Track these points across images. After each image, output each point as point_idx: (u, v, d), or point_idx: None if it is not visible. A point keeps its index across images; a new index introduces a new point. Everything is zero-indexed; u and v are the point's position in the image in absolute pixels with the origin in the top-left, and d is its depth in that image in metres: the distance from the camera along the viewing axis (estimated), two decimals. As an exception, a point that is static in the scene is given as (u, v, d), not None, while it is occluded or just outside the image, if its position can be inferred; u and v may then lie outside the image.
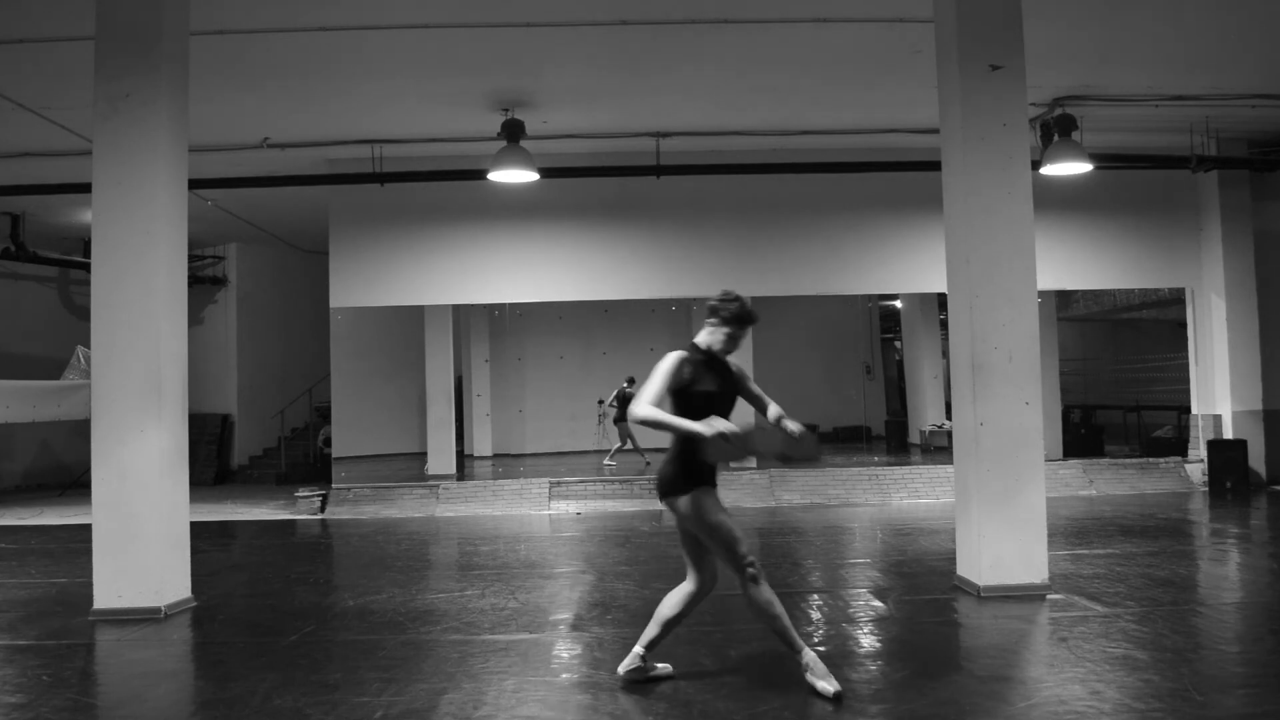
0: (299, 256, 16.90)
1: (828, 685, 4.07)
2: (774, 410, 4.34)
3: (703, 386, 4.13)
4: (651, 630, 4.35)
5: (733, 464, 4.08)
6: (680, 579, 4.43)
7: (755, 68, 8.75)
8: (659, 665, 4.46)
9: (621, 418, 13.95)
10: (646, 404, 3.96)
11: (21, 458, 15.07)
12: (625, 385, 14.09)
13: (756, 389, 4.38)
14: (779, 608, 4.12)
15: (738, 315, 4.20)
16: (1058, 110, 9.77)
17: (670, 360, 4.08)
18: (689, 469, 4.11)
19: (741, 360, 14.21)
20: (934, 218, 7.71)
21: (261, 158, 10.71)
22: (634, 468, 13.15)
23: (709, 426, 3.91)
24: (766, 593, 4.09)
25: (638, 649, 4.36)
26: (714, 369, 4.22)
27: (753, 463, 3.68)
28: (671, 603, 4.33)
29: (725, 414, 4.11)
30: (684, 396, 4.10)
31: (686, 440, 4.04)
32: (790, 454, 4.14)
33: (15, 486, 14.80)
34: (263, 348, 16.58)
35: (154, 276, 6.07)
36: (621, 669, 4.38)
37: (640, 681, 4.35)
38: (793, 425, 4.14)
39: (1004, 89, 6.14)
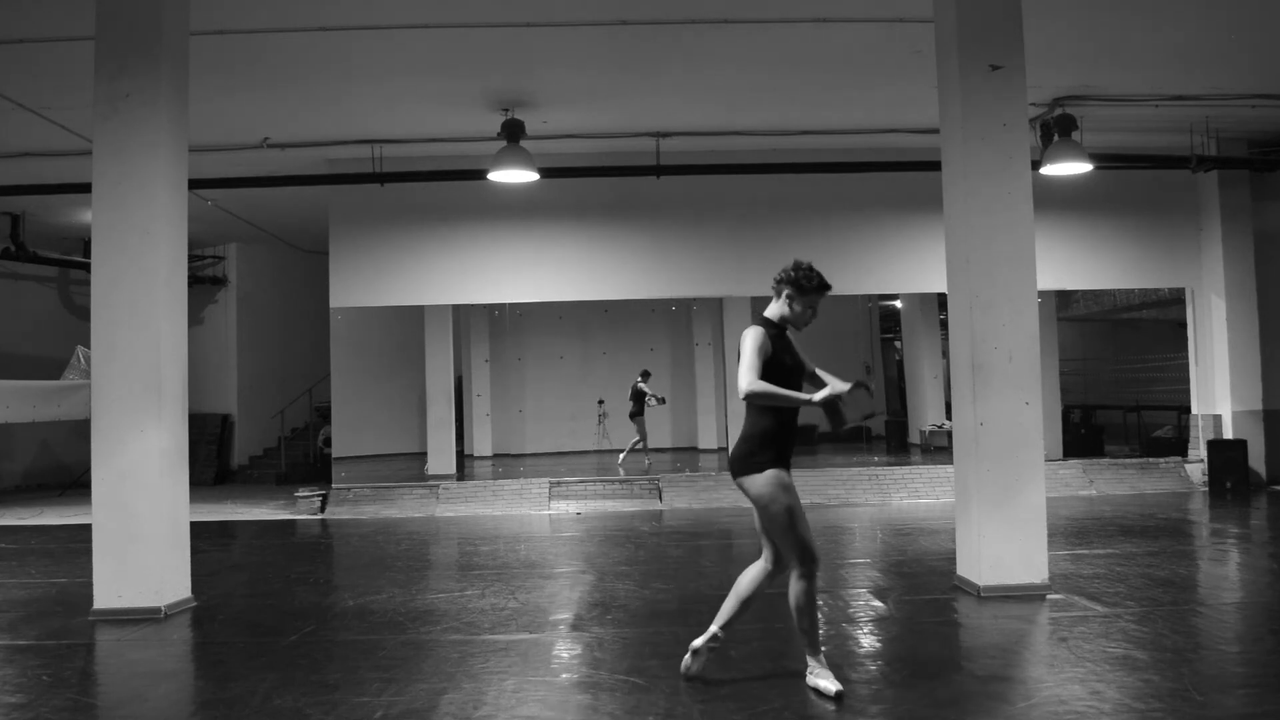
0: (299, 256, 16.90)
1: (829, 684, 4.08)
2: (836, 382, 4.11)
3: (788, 359, 4.14)
4: (728, 609, 4.30)
5: (837, 428, 4.07)
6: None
7: (755, 68, 8.75)
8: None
9: (638, 412, 13.81)
10: (752, 379, 3.95)
11: (21, 458, 15.07)
12: (639, 380, 13.94)
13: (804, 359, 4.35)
14: (816, 610, 4.17)
15: (821, 283, 4.16)
16: (1058, 110, 9.77)
17: (754, 334, 4.08)
18: (766, 448, 4.07)
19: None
20: (934, 218, 7.71)
21: (261, 158, 10.71)
22: (635, 467, 13.14)
23: (827, 391, 3.91)
24: (810, 589, 4.09)
25: (715, 629, 4.31)
26: (788, 342, 4.22)
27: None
28: (747, 581, 4.31)
29: (800, 387, 4.14)
30: (768, 371, 4.03)
31: (766, 418, 4.04)
32: (868, 412, 4.21)
33: (15, 486, 14.79)
34: (263, 348, 16.57)
35: (154, 276, 6.07)
36: (696, 645, 4.30)
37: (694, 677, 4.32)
38: (870, 385, 4.14)
39: (1004, 89, 6.14)
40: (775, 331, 4.18)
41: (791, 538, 4.06)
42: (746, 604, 4.29)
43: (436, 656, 4.90)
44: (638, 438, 13.81)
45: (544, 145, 10.45)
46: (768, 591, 4.30)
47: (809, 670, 4.18)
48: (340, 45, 7.93)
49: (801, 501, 4.17)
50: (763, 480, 4.05)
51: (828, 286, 4.20)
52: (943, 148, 6.56)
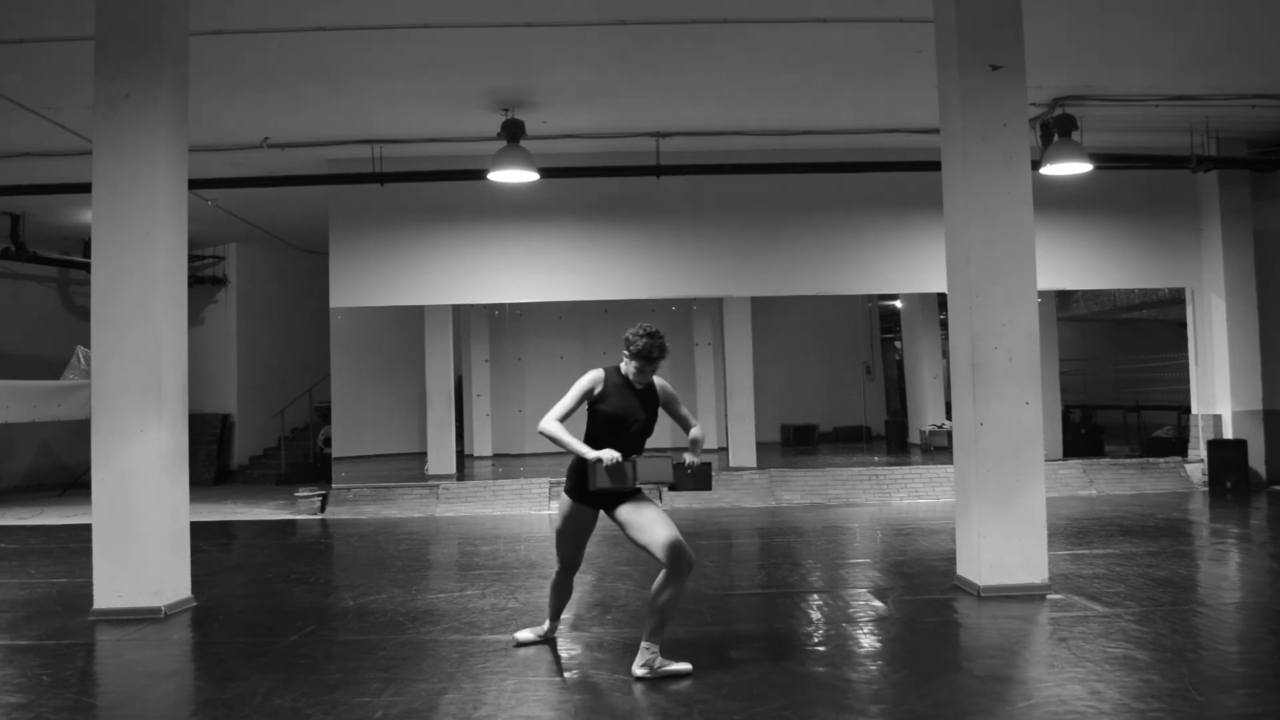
0: (299, 256, 16.89)
1: (527, 634, 5.07)
2: (694, 432, 4.69)
3: (606, 407, 4.47)
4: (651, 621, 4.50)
5: (616, 487, 4.27)
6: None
7: (755, 68, 8.75)
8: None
9: None
10: (550, 418, 4.39)
11: (21, 458, 15.06)
12: None
13: (684, 412, 4.70)
14: (553, 594, 5.00)
15: (641, 351, 4.43)
16: (1058, 110, 9.77)
17: (588, 376, 4.54)
18: (570, 476, 4.57)
19: (741, 361, 14.10)
20: (934, 218, 7.71)
21: (261, 158, 10.71)
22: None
23: (596, 453, 4.27)
24: (553, 580, 4.96)
25: (645, 642, 4.48)
26: (629, 392, 4.51)
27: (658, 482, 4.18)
28: (654, 589, 4.46)
29: (632, 435, 4.47)
30: (591, 413, 4.49)
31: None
32: (679, 485, 4.43)
33: (15, 486, 14.79)
34: (263, 348, 16.57)
35: (154, 276, 6.07)
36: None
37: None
38: (689, 458, 4.45)
39: (1004, 89, 6.14)
40: (619, 380, 4.53)
41: (558, 546, 4.79)
42: (662, 609, 4.40)
43: (436, 656, 4.90)
44: None
45: (544, 145, 10.45)
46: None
47: (535, 630, 5.11)
48: (340, 45, 7.93)
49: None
50: (559, 503, 4.70)
51: (648, 356, 4.42)
52: (943, 148, 6.56)
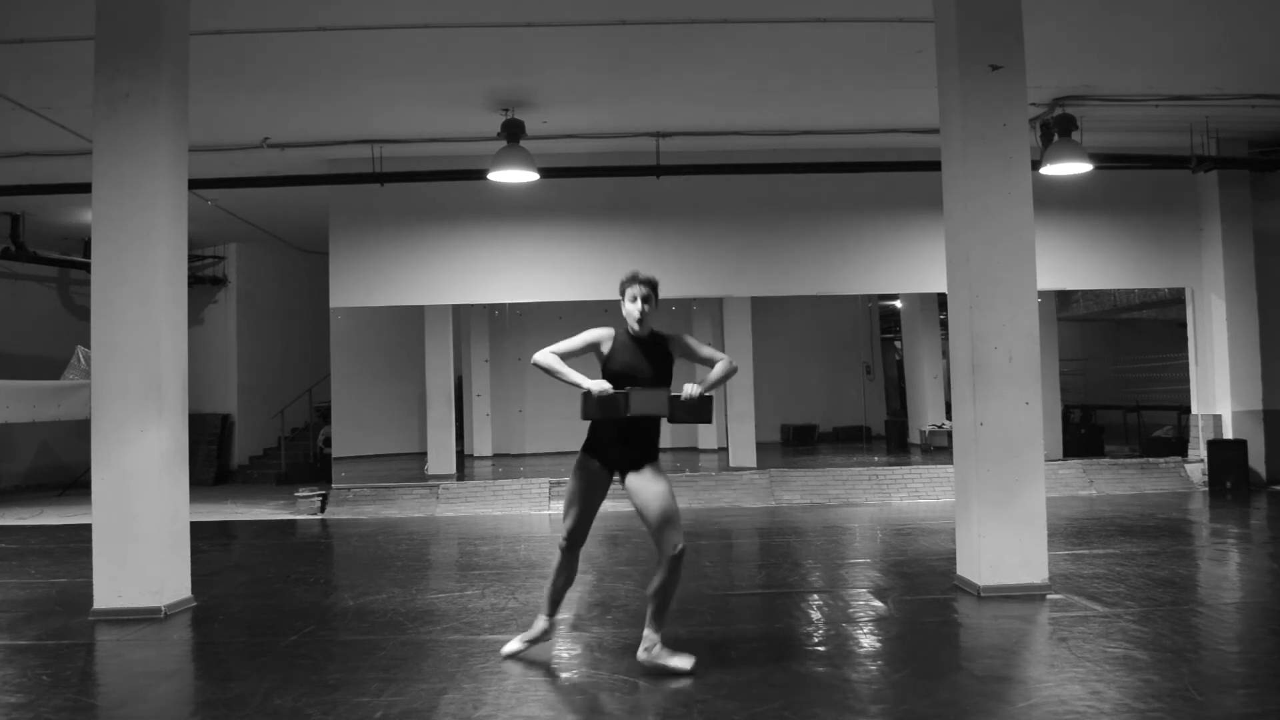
0: (299, 256, 16.89)
1: (514, 645, 4.74)
2: (717, 369, 4.52)
3: (614, 365, 4.44)
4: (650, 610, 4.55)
5: (607, 417, 4.26)
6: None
7: (755, 68, 8.75)
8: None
9: None
10: (548, 351, 4.37)
11: (21, 458, 15.05)
12: None
13: (708, 353, 4.58)
14: (555, 576, 4.71)
15: (630, 275, 4.47)
16: (1058, 110, 9.77)
17: (593, 330, 4.54)
18: (589, 434, 4.51)
19: (742, 360, 14.07)
20: (934, 218, 7.71)
21: (261, 158, 10.71)
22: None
23: (589, 383, 4.25)
24: (557, 561, 4.68)
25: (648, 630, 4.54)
26: (636, 349, 4.49)
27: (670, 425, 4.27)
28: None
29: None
30: (605, 375, 4.43)
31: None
32: (674, 416, 4.38)
33: (15, 486, 14.78)
34: (263, 348, 16.57)
35: (154, 276, 6.07)
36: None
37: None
38: (689, 389, 4.37)
39: (1004, 89, 6.14)
40: (625, 340, 4.53)
41: (566, 510, 4.60)
42: (654, 595, 4.49)
43: (436, 656, 4.90)
44: None
45: (544, 145, 10.45)
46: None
47: (533, 630, 4.78)
48: (340, 45, 7.93)
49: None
50: (576, 462, 4.54)
51: (635, 277, 4.48)
52: (943, 148, 6.56)
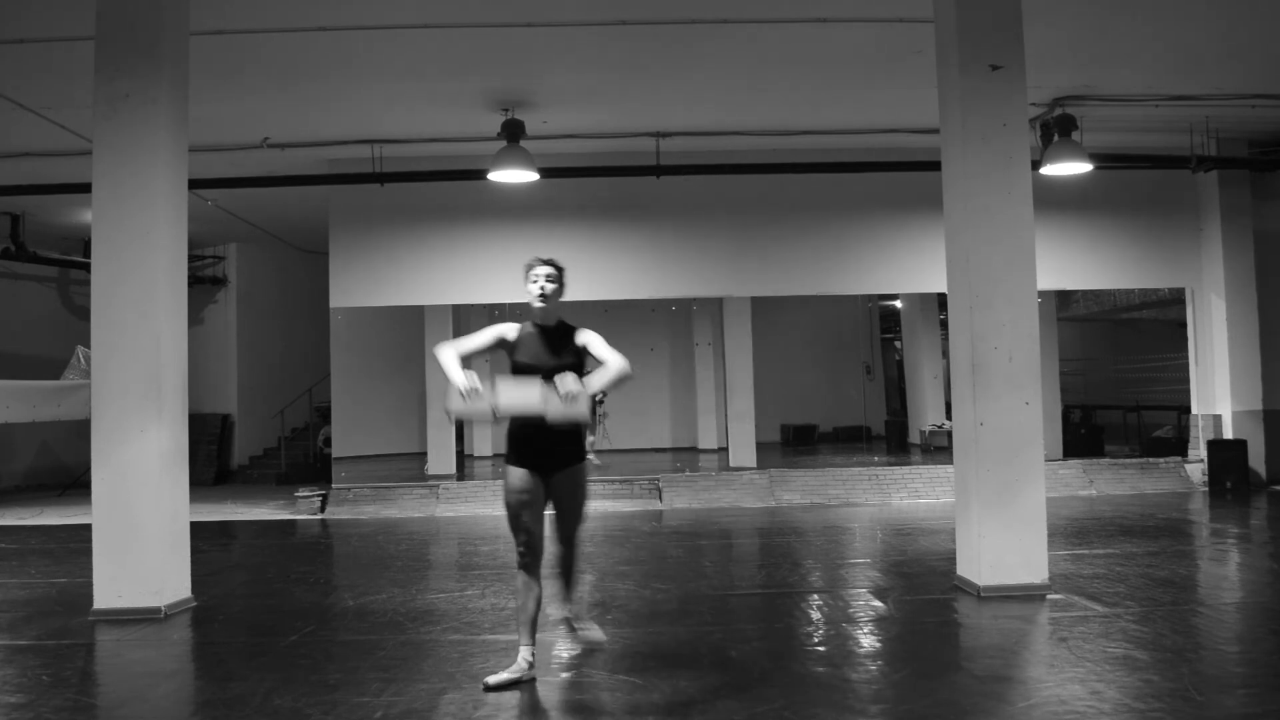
0: (299, 256, 16.89)
1: (499, 676, 4.33)
2: (602, 373, 4.18)
3: (519, 357, 4.33)
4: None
5: (474, 412, 4.07)
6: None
7: (755, 68, 8.75)
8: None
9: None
10: (448, 345, 4.27)
11: (21, 458, 15.05)
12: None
13: (604, 353, 4.29)
14: (523, 600, 4.42)
15: (526, 265, 4.41)
16: (1058, 110, 9.77)
17: (497, 325, 4.36)
18: (510, 447, 4.36)
19: (741, 361, 14.04)
20: (934, 218, 7.71)
21: (261, 158, 10.71)
22: (635, 467, 13.14)
23: (458, 379, 4.05)
24: (521, 582, 4.43)
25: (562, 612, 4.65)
26: (540, 339, 4.36)
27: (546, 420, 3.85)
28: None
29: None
30: (512, 367, 4.32)
31: (513, 418, 4.23)
32: (546, 414, 4.05)
33: (15, 486, 14.78)
34: (263, 348, 16.56)
35: (154, 276, 6.07)
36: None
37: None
38: (568, 382, 4.01)
39: (1004, 89, 6.14)
40: (531, 330, 4.40)
41: (513, 524, 4.39)
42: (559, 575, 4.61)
43: (436, 656, 4.90)
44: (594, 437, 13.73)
45: (544, 145, 10.44)
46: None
47: (515, 668, 4.41)
48: (340, 45, 7.93)
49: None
50: (505, 476, 4.35)
51: (537, 258, 4.43)
52: (943, 148, 6.56)
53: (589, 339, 4.37)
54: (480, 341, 4.34)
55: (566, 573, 4.62)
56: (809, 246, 11.62)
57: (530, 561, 4.40)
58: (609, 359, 4.23)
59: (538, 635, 4.48)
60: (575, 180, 10.87)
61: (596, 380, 4.14)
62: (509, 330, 4.37)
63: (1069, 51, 8.38)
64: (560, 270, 4.44)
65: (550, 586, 4.64)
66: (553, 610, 4.66)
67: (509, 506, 4.35)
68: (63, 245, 14.55)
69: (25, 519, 11.33)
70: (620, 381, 4.21)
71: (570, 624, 4.63)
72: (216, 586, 6.89)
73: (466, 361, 4.24)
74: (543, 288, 4.36)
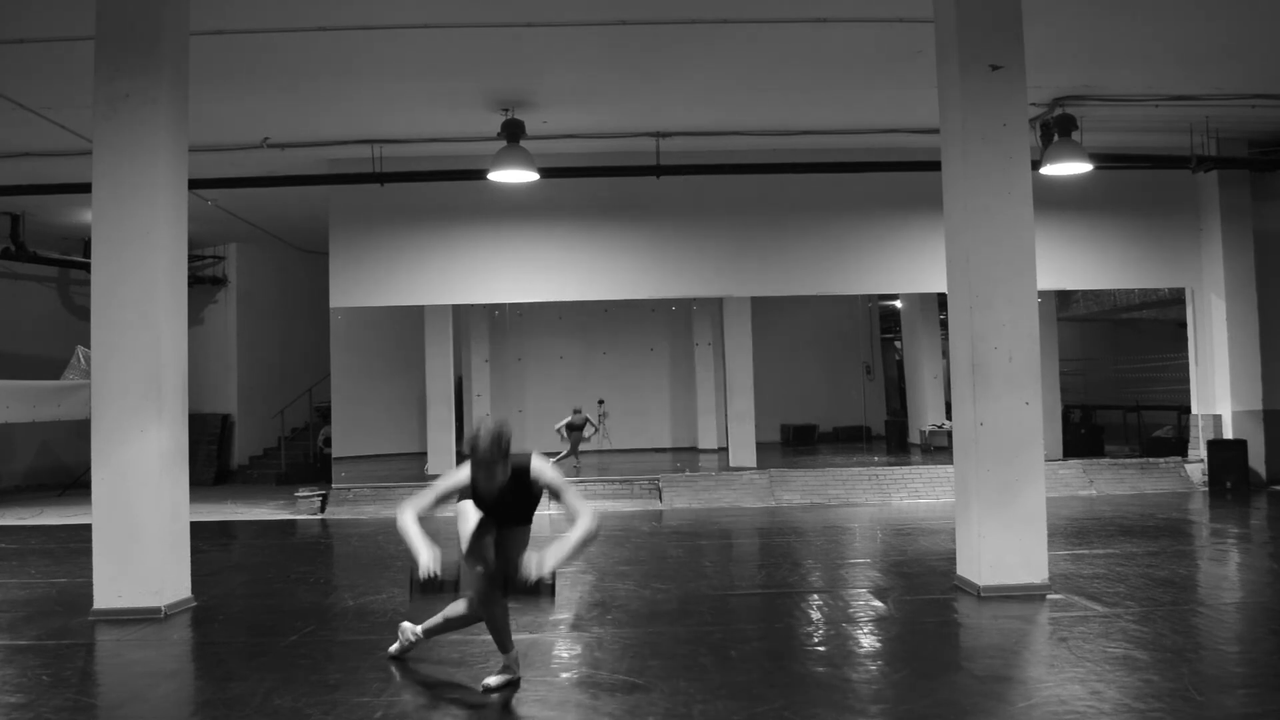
0: (299, 256, 16.89)
1: (495, 678, 4.32)
2: (574, 532, 4.02)
3: (478, 487, 4.15)
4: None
5: (430, 596, 4.08)
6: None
7: (755, 68, 8.75)
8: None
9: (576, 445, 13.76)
10: (408, 507, 4.19)
11: (21, 458, 15.06)
12: (573, 415, 13.63)
13: (571, 502, 4.13)
14: (490, 613, 4.36)
15: (472, 448, 4.01)
16: (1058, 110, 9.76)
17: (460, 470, 4.16)
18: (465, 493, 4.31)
19: (741, 361, 14.03)
20: (934, 218, 7.71)
21: (261, 158, 10.71)
22: (635, 467, 13.14)
23: (422, 560, 3.98)
24: (480, 593, 4.34)
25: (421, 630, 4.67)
26: (497, 482, 4.11)
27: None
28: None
29: (505, 514, 4.29)
30: (472, 494, 4.25)
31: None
32: (510, 594, 4.11)
33: (15, 486, 14.78)
34: (263, 348, 16.57)
35: (154, 276, 6.07)
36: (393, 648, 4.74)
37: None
38: (533, 565, 3.95)
39: (1004, 89, 6.14)
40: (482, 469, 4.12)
41: (470, 551, 4.34)
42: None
43: (437, 656, 4.90)
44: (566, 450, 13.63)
45: (544, 145, 10.44)
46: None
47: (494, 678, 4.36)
48: (340, 45, 7.92)
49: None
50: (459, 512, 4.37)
51: (478, 453, 4.00)
52: (943, 147, 6.56)
53: (550, 484, 4.21)
54: (439, 492, 4.21)
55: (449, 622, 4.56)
56: (809, 246, 11.62)
57: (487, 581, 4.30)
58: (576, 510, 4.05)
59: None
60: (575, 180, 10.87)
61: (558, 553, 3.98)
62: (468, 478, 4.15)
63: (1069, 51, 8.38)
64: (504, 448, 4.06)
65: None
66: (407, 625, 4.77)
67: (468, 537, 4.33)
68: (63, 245, 14.55)
69: (25, 519, 11.33)
70: (586, 546, 4.05)
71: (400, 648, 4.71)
72: (216, 586, 6.89)
73: (435, 507, 4.18)
74: (489, 471, 4.05)
